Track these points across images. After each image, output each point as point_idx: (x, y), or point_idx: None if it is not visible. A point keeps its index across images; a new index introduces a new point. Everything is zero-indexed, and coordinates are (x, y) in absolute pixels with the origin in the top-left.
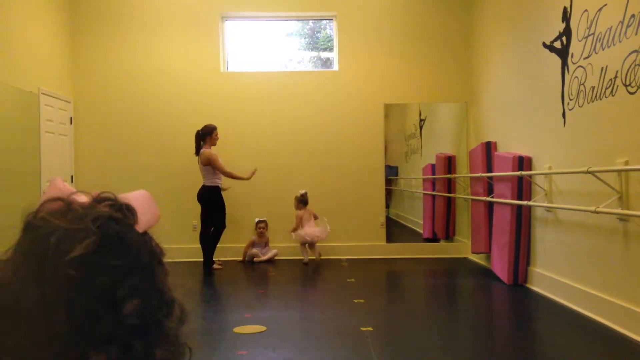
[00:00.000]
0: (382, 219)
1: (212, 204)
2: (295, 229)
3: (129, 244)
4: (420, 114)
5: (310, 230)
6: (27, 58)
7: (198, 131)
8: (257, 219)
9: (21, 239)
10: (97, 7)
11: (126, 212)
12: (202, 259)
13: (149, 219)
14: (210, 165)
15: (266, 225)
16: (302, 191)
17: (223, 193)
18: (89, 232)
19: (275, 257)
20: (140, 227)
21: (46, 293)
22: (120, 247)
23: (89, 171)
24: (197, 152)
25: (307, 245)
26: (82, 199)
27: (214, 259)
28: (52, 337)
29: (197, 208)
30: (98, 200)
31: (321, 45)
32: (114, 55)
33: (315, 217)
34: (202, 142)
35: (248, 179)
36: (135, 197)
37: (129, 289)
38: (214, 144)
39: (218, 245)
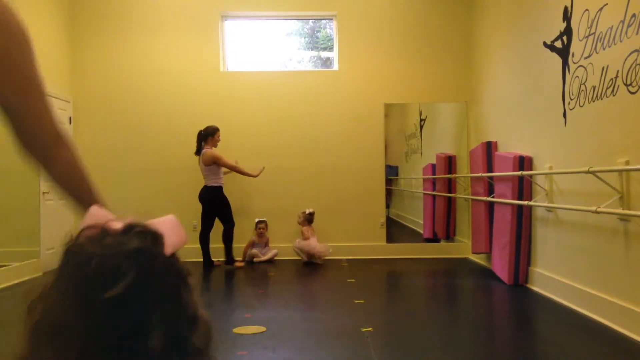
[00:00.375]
0: (382, 219)
1: (216, 203)
2: (303, 239)
3: (157, 274)
4: (420, 114)
5: (314, 243)
6: None
7: (200, 131)
8: (257, 220)
9: (62, 263)
10: (97, 6)
11: (155, 239)
12: (202, 259)
13: (176, 242)
14: (214, 165)
15: (266, 225)
16: (311, 210)
17: (231, 188)
18: (122, 265)
19: (275, 257)
20: (167, 251)
21: (87, 316)
22: (149, 280)
23: (89, 171)
24: (198, 152)
25: (306, 255)
26: (117, 226)
27: (235, 258)
28: (100, 352)
29: (197, 208)
30: (129, 228)
31: (321, 44)
32: (113, 54)
33: (313, 235)
34: (203, 143)
35: (256, 176)
36: (163, 222)
37: (159, 316)
38: (215, 145)
39: (217, 246)
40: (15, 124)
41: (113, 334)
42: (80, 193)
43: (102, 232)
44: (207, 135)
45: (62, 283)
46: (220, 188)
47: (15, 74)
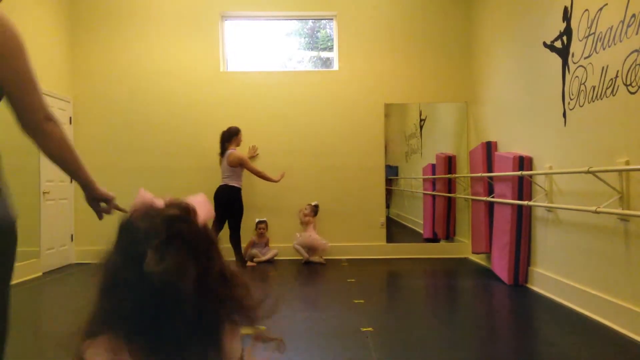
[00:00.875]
0: (382, 219)
1: (234, 205)
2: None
3: (187, 235)
4: (420, 114)
5: (315, 235)
6: None
7: (224, 132)
8: (257, 220)
9: (118, 235)
10: (97, 6)
11: (186, 210)
12: None
13: (205, 215)
14: (240, 167)
15: (266, 225)
16: (316, 202)
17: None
18: (160, 228)
19: (275, 257)
20: (199, 220)
21: (136, 270)
22: (180, 239)
23: (89, 171)
24: (223, 153)
25: (306, 250)
26: (159, 203)
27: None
28: (148, 299)
29: None
30: (168, 203)
31: (321, 45)
32: (113, 54)
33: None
34: (227, 143)
35: (277, 181)
36: (195, 199)
37: (192, 269)
38: (239, 145)
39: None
40: (14, 106)
41: (158, 282)
42: (70, 164)
43: (147, 208)
44: (232, 136)
45: (117, 249)
46: (240, 190)
47: (12, 71)
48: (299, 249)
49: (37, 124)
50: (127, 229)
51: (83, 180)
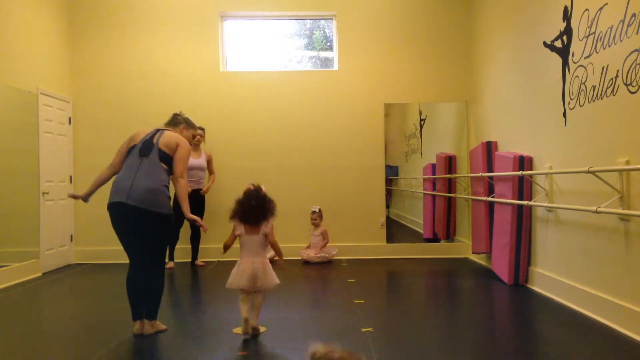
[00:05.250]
0: (382, 219)
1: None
2: (325, 244)
3: (266, 199)
4: (420, 114)
5: (325, 245)
6: (26, 58)
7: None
8: None
9: (242, 196)
10: (96, 6)
11: (261, 189)
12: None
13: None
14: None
15: None
16: (318, 207)
17: (230, 187)
18: (256, 195)
19: (275, 257)
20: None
21: (251, 206)
22: (265, 199)
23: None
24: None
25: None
26: (253, 186)
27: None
28: (255, 213)
29: (193, 205)
30: (257, 186)
31: (317, 46)
32: (113, 54)
33: None
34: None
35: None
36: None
37: (269, 209)
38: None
39: (215, 246)
40: (173, 166)
41: (258, 212)
42: (180, 199)
43: (253, 188)
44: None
45: (240, 200)
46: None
47: (178, 155)
48: (322, 258)
49: (175, 177)
50: (245, 196)
51: (184, 210)
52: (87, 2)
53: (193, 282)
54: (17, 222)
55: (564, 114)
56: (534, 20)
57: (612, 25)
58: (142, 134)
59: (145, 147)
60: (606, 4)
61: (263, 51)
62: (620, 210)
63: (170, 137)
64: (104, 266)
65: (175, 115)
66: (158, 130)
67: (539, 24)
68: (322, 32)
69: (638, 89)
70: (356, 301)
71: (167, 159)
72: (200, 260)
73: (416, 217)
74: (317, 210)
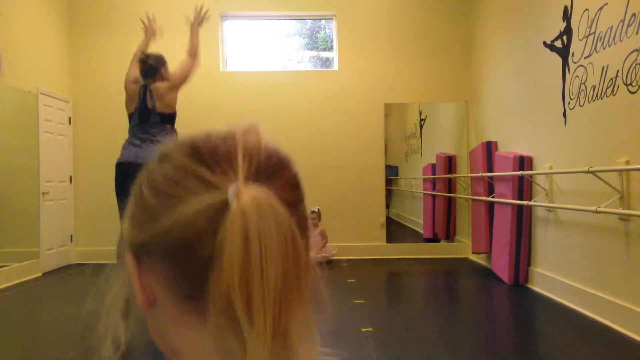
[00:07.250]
0: (382, 219)
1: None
2: (324, 244)
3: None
4: (420, 114)
5: (324, 244)
6: (26, 58)
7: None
8: None
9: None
10: (96, 6)
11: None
12: None
13: None
14: None
15: None
16: (317, 207)
17: None
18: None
19: None
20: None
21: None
22: (298, 183)
23: (88, 171)
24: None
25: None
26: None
27: None
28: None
29: None
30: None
31: (320, 45)
32: (112, 54)
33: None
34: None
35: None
36: None
37: (301, 194)
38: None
39: None
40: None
41: (295, 197)
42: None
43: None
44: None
45: None
46: None
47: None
48: (322, 260)
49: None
50: None
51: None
52: (87, 2)
53: None
54: (17, 222)
55: (564, 114)
56: (534, 20)
57: (612, 25)
58: (134, 87)
59: (144, 114)
60: (606, 4)
61: (263, 51)
62: (620, 210)
63: (160, 91)
64: (104, 266)
65: (145, 64)
66: (145, 88)
67: (539, 24)
68: (326, 31)
69: (638, 89)
70: (356, 301)
71: (167, 118)
72: None
73: (416, 217)
74: (316, 211)
